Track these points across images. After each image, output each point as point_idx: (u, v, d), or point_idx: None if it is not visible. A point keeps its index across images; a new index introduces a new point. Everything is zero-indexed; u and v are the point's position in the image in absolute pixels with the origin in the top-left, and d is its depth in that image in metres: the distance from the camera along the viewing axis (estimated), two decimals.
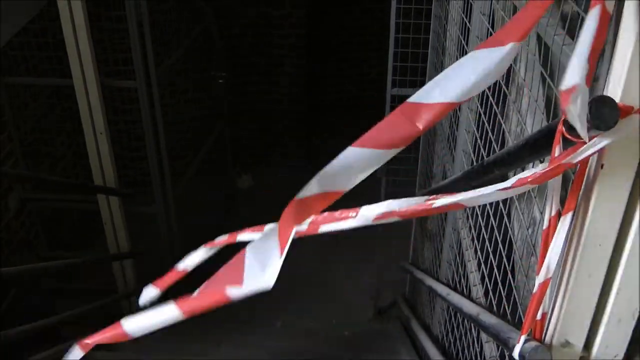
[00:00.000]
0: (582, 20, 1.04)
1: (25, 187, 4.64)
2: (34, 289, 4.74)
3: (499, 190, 1.09)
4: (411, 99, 1.06)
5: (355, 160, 1.07)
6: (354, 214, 1.22)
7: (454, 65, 1.06)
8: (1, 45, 3.91)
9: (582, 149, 0.95)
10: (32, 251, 4.72)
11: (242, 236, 1.49)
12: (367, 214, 1.20)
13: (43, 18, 4.50)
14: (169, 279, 1.61)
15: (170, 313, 1.32)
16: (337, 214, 1.25)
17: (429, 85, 1.06)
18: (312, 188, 1.11)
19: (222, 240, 1.54)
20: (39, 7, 4.21)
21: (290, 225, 1.17)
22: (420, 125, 1.04)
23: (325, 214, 1.25)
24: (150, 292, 1.59)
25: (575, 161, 0.97)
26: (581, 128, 0.93)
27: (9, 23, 3.87)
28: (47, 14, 4.41)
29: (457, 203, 1.17)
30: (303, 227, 1.26)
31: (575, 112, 0.90)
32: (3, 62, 4.43)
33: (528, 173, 1.04)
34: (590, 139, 0.95)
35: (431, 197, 1.16)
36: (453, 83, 1.04)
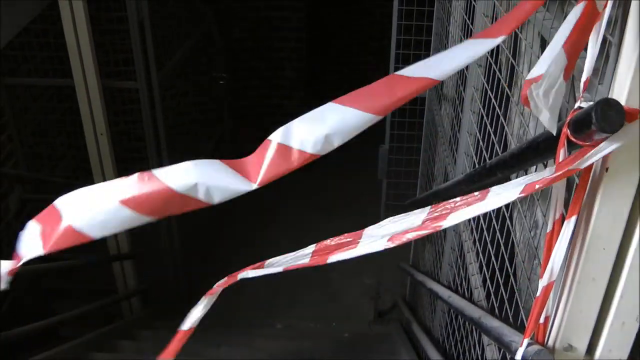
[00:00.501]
0: None
1: (25, 187, 4.64)
2: (34, 290, 4.74)
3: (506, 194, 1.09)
4: (397, 72, 1.08)
5: (331, 115, 1.09)
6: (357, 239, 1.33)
7: (447, 51, 1.08)
8: (2, 45, 3.91)
9: (590, 153, 0.95)
10: None
11: (242, 274, 1.50)
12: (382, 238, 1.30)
13: (44, 19, 4.50)
14: (177, 343, 1.64)
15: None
16: (342, 238, 1.29)
17: (419, 63, 1.08)
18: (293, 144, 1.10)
19: (222, 283, 1.55)
20: (40, 7, 4.20)
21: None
22: (399, 95, 1.06)
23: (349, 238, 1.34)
24: None
25: (583, 166, 0.97)
26: (550, 121, 0.93)
27: (10, 23, 3.86)
28: (48, 16, 4.41)
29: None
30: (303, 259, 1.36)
31: (542, 104, 0.90)
32: (3, 63, 4.43)
33: (535, 178, 1.04)
34: (595, 143, 0.95)
35: (438, 215, 1.19)
36: (440, 64, 1.06)
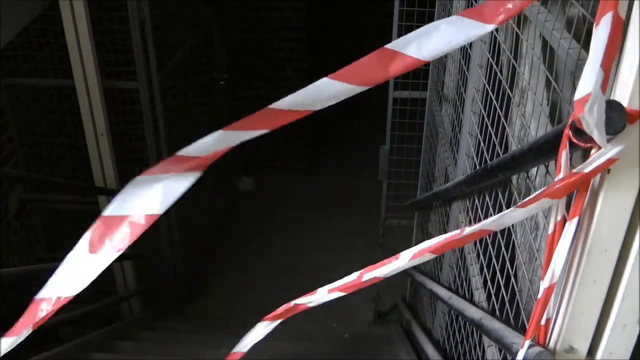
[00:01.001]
0: (589, 23, 1.04)
1: (25, 187, 4.63)
2: (34, 291, 4.73)
3: (518, 207, 1.09)
4: (389, 46, 1.14)
5: (327, 89, 1.22)
6: (395, 260, 1.34)
7: (438, 24, 1.09)
8: (2, 45, 3.91)
9: (594, 156, 0.95)
10: (32, 252, 4.71)
11: (300, 300, 1.59)
12: (406, 255, 1.31)
13: (45, 19, 4.50)
14: None
15: None
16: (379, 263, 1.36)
17: (410, 36, 1.11)
18: (282, 104, 1.23)
19: (281, 310, 1.63)
20: (40, 7, 4.20)
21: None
22: (390, 72, 1.14)
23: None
24: None
25: (587, 170, 0.97)
26: (599, 136, 0.92)
27: (10, 23, 3.86)
28: (49, 15, 4.41)
29: (482, 230, 1.18)
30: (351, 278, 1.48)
31: (592, 121, 0.89)
32: (4, 63, 4.42)
33: (544, 188, 1.04)
34: (596, 144, 0.94)
35: (460, 230, 1.23)
36: (431, 42, 1.08)
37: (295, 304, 1.60)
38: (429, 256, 1.29)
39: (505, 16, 1.03)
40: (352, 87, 1.17)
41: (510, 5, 1.03)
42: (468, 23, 1.05)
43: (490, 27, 1.04)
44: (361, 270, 1.42)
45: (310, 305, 1.58)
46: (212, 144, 1.23)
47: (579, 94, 0.90)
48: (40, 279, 1.19)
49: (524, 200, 1.08)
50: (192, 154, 1.24)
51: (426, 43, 1.09)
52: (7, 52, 4.42)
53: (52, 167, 5.17)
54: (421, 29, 1.09)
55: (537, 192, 1.05)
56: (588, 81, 0.90)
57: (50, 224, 5.06)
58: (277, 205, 6.78)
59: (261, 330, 1.73)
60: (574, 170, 0.99)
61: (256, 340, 1.73)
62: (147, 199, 1.14)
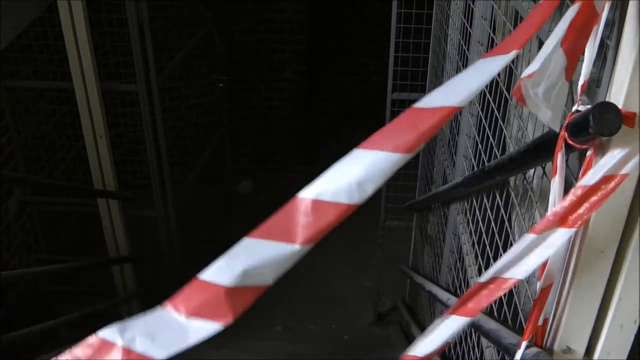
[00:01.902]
0: None
1: (25, 190, 4.64)
2: (34, 293, 4.74)
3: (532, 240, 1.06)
4: (415, 105, 1.01)
5: (359, 162, 0.99)
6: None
7: (460, 75, 1.02)
8: (1, 47, 3.91)
9: (596, 168, 0.95)
10: (31, 254, 4.71)
11: None
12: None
13: (44, 22, 4.51)
14: None
15: None
16: None
17: (435, 92, 1.01)
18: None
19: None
20: (39, 9, 4.21)
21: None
22: (422, 129, 0.98)
23: None
24: None
25: (593, 182, 0.95)
26: (552, 119, 0.92)
27: (10, 25, 3.87)
28: (48, 18, 4.42)
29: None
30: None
31: (538, 100, 0.90)
32: (3, 65, 4.43)
33: (558, 209, 1.00)
34: (593, 145, 0.95)
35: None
36: (457, 88, 1.00)
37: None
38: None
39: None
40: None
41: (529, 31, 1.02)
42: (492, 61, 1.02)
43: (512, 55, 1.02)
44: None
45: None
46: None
47: (526, 72, 0.91)
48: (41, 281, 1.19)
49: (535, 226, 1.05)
50: None
51: (454, 91, 0.99)
52: (7, 55, 4.42)
53: (51, 169, 5.17)
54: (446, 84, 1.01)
55: (544, 220, 1.02)
56: (537, 61, 0.91)
57: (50, 226, 5.06)
58: (276, 207, 6.70)
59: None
60: (579, 184, 0.97)
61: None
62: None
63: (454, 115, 3.12)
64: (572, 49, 0.94)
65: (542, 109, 0.92)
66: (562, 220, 0.98)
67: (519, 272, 1.07)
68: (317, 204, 0.98)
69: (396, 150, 0.98)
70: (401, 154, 0.98)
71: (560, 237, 0.99)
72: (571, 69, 0.95)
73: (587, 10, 0.94)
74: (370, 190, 0.97)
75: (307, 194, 0.99)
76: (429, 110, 0.99)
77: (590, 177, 0.96)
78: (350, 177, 0.97)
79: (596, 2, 0.95)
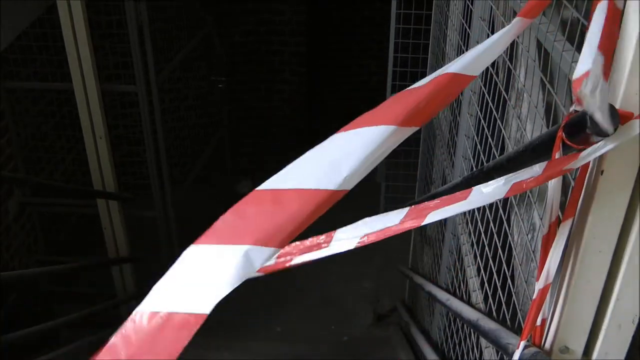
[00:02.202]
0: (582, 25, 1.05)
1: (25, 191, 4.64)
2: (33, 293, 4.74)
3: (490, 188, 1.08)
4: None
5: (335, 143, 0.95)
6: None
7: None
8: (1, 49, 3.91)
9: (583, 154, 0.95)
10: (31, 255, 4.71)
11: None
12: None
13: (44, 23, 4.51)
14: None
15: None
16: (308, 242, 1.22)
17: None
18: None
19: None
20: (39, 10, 4.21)
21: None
22: (409, 101, 0.94)
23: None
24: None
25: (577, 166, 0.97)
26: (603, 119, 0.91)
27: (10, 26, 3.87)
28: (48, 19, 4.42)
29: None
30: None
31: (594, 101, 0.89)
32: (3, 67, 4.43)
33: (524, 176, 1.04)
34: (590, 145, 0.95)
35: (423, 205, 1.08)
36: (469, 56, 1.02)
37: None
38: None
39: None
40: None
41: None
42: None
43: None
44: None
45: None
46: None
47: (576, 74, 0.91)
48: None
49: (496, 183, 1.07)
50: None
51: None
52: (7, 56, 4.43)
53: (51, 170, 5.18)
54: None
55: (515, 176, 1.04)
56: (585, 61, 0.90)
57: (50, 227, 5.06)
58: None
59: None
60: (564, 168, 0.98)
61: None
62: None
63: (453, 116, 3.13)
64: (607, 47, 0.93)
65: (596, 110, 0.91)
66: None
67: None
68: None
69: (380, 123, 0.91)
70: (386, 126, 0.91)
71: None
72: (608, 68, 0.94)
73: (613, 7, 0.94)
74: (345, 172, 0.91)
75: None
76: (418, 88, 0.96)
77: (573, 163, 0.97)
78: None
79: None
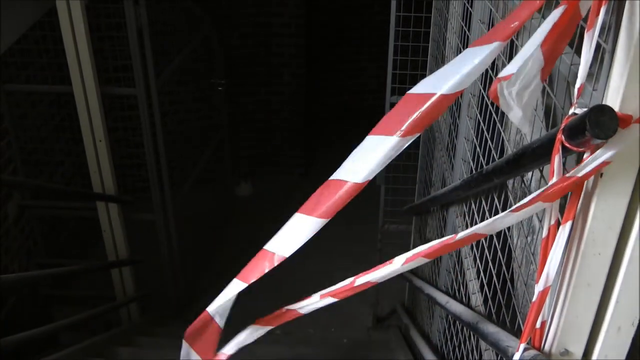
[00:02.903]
0: (581, 28, 1.05)
1: (24, 194, 4.64)
2: (33, 296, 4.74)
3: (511, 211, 1.10)
4: (411, 91, 1.15)
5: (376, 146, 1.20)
6: (389, 264, 1.38)
7: (451, 62, 1.13)
8: (1, 52, 3.92)
9: (587, 160, 0.96)
10: (30, 258, 4.71)
11: (292, 306, 1.69)
12: (399, 260, 1.35)
13: (43, 26, 4.51)
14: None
15: None
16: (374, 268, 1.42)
17: (428, 79, 1.15)
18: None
19: (272, 316, 1.72)
20: (39, 14, 4.22)
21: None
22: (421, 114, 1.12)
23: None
24: None
25: (581, 174, 0.98)
26: (521, 119, 0.94)
27: (9, 30, 3.87)
28: (47, 22, 4.43)
29: (475, 234, 1.19)
30: (344, 283, 1.56)
31: (510, 100, 0.92)
32: (3, 70, 4.44)
33: (538, 192, 1.05)
34: (590, 147, 0.95)
35: (452, 235, 1.24)
36: (448, 76, 1.10)
37: (288, 310, 1.65)
38: (422, 260, 1.30)
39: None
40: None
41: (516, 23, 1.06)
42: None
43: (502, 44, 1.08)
44: (355, 276, 1.45)
45: (302, 311, 1.62)
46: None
47: (503, 72, 0.93)
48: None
49: (518, 204, 1.09)
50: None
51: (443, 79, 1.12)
52: (6, 59, 4.43)
53: (50, 173, 5.18)
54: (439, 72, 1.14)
55: (530, 196, 1.06)
56: (515, 63, 0.93)
57: (49, 230, 5.06)
58: (275, 210, 6.75)
59: (251, 334, 1.76)
60: (567, 175, 0.99)
61: (244, 344, 1.76)
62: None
63: (452, 119, 3.13)
64: (552, 50, 0.95)
65: (514, 109, 0.94)
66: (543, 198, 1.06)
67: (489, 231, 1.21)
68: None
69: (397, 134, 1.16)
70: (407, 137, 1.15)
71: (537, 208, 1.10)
72: (547, 70, 0.97)
73: (572, 12, 0.95)
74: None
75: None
76: (422, 95, 1.12)
77: (576, 170, 0.98)
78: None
79: (581, 4, 0.96)
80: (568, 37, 0.97)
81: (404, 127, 1.13)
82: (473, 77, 1.08)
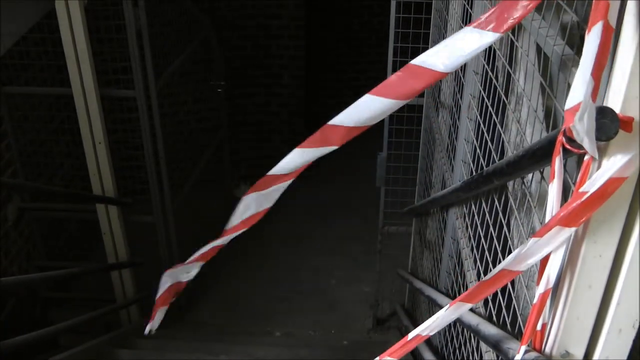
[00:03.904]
0: (582, 30, 1.05)
1: (24, 196, 4.63)
2: (32, 299, 4.73)
3: (536, 242, 1.09)
4: (413, 62, 1.29)
5: (372, 105, 1.39)
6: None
7: (453, 37, 1.25)
8: (1, 54, 3.91)
9: (598, 173, 0.95)
10: (30, 261, 4.71)
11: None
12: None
13: (43, 28, 4.51)
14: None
15: None
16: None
17: (429, 51, 1.28)
18: (338, 120, 1.42)
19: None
20: (38, 16, 4.21)
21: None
22: (419, 86, 1.31)
23: None
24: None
25: (595, 188, 0.97)
26: (589, 144, 0.93)
27: (9, 32, 3.87)
28: (47, 24, 4.42)
29: (502, 272, 1.20)
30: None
31: (582, 130, 0.90)
32: (2, 72, 4.43)
33: (553, 213, 1.05)
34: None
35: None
36: (448, 54, 1.25)
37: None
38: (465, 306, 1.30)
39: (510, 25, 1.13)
40: (391, 101, 1.36)
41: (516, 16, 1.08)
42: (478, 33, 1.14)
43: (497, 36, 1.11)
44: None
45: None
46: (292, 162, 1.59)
47: (569, 103, 0.91)
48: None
49: (539, 229, 1.09)
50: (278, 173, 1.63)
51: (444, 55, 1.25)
52: (6, 61, 4.43)
53: (50, 175, 5.17)
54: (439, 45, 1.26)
55: (548, 221, 1.06)
56: (578, 90, 0.91)
57: (49, 233, 5.06)
58: (275, 212, 6.74)
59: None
60: (580, 190, 0.99)
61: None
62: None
63: (452, 120, 3.13)
64: (598, 70, 0.94)
65: (583, 137, 0.93)
66: (564, 221, 1.03)
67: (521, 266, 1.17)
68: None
69: (398, 98, 1.36)
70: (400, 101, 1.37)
71: (562, 235, 1.06)
72: (597, 89, 0.95)
73: (607, 27, 0.94)
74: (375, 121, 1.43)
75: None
76: (424, 69, 1.27)
77: (591, 183, 0.97)
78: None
79: (610, 17, 0.95)
80: (608, 50, 0.96)
81: None
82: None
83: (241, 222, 1.87)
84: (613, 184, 0.97)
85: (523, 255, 1.13)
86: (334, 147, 1.46)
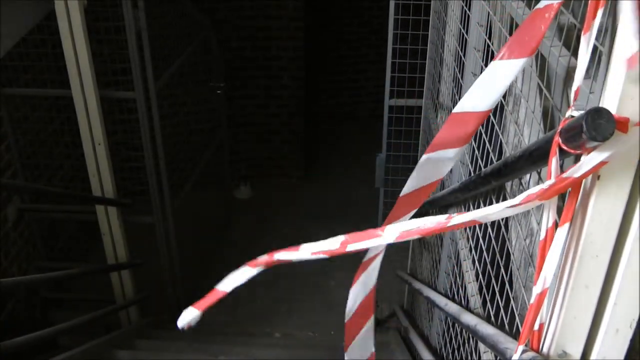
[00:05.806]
0: (579, 31, 1.05)
1: (23, 197, 4.64)
2: (32, 300, 4.74)
3: (508, 207, 1.10)
4: (455, 110, 1.35)
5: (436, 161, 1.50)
6: (380, 232, 1.34)
7: (479, 80, 1.29)
8: (0, 56, 3.92)
9: (583, 160, 0.96)
10: (30, 262, 4.71)
11: (279, 255, 1.60)
12: (393, 232, 1.30)
13: (42, 30, 4.52)
14: (209, 300, 1.68)
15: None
16: (364, 233, 1.40)
17: (465, 97, 1.32)
18: (410, 185, 1.53)
19: (263, 260, 1.60)
20: (38, 17, 4.22)
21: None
22: (470, 130, 1.36)
23: (353, 233, 1.44)
24: (190, 314, 1.68)
25: (578, 175, 0.98)
26: None
27: (9, 34, 3.87)
28: (46, 26, 4.43)
29: (471, 220, 1.18)
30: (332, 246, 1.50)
31: None
32: (2, 74, 4.44)
33: (535, 190, 1.04)
34: (587, 150, 0.95)
35: (448, 216, 1.20)
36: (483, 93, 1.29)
37: (278, 259, 1.61)
38: (414, 237, 1.28)
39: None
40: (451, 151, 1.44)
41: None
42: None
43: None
44: (346, 238, 1.45)
45: (290, 259, 1.58)
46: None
47: (629, 52, 0.91)
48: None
49: (514, 201, 1.09)
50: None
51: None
52: (6, 63, 4.43)
53: (50, 176, 5.18)
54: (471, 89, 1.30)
55: (526, 193, 1.06)
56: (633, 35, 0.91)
57: (49, 234, 5.06)
58: (274, 213, 6.78)
59: (243, 274, 1.71)
60: (563, 175, 1.00)
61: (237, 284, 1.72)
62: None
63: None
64: None
65: None
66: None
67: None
68: None
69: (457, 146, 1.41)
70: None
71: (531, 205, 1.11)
72: None
73: None
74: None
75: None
76: (467, 114, 1.32)
77: (573, 171, 0.98)
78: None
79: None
80: None
81: None
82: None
83: None
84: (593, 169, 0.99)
85: (491, 215, 1.16)
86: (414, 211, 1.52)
